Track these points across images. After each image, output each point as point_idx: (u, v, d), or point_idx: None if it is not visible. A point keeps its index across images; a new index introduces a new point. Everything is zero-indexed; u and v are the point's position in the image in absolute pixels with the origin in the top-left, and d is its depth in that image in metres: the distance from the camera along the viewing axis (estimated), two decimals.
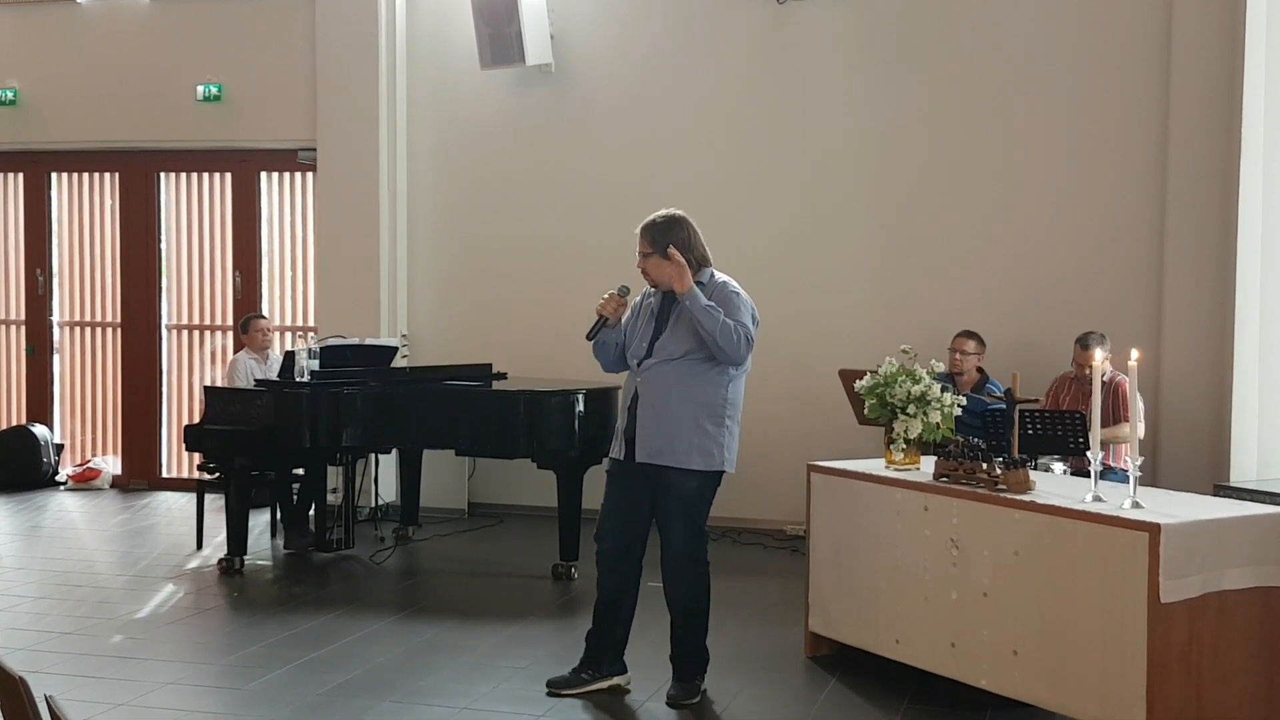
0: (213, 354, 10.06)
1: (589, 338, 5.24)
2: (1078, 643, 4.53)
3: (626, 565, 5.23)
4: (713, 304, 4.98)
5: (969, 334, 7.72)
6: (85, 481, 10.08)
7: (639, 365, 5.13)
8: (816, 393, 8.34)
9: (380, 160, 9.28)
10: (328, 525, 7.87)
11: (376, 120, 9.25)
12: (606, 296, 5.20)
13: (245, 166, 9.98)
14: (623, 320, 5.24)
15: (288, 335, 9.87)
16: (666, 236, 5.07)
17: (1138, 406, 5.17)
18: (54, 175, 10.48)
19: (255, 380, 8.02)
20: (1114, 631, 4.39)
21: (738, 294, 5.10)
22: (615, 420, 7.37)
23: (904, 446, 5.43)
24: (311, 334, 9.23)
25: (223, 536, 7.58)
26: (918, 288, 8.52)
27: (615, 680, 5.29)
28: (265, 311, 9.78)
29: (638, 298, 5.27)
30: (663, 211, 5.17)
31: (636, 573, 5.26)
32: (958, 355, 7.62)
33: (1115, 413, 7.23)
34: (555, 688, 5.27)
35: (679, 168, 8.85)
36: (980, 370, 7.68)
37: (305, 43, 9.50)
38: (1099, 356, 7.03)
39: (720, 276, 5.16)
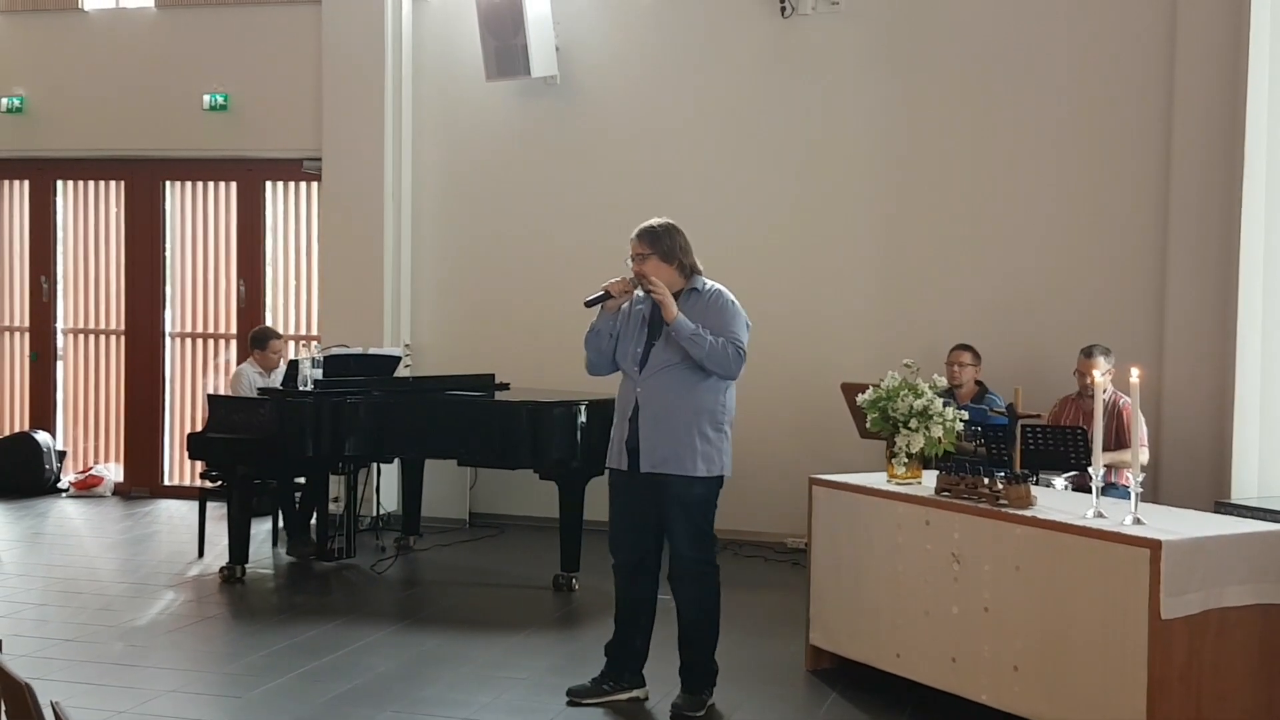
0: (227, 365, 10.02)
1: (587, 304, 5.22)
2: (1078, 658, 4.53)
3: (643, 575, 5.27)
4: (699, 331, 5.01)
5: (964, 346, 7.76)
6: (87, 488, 10.09)
7: (639, 373, 5.15)
8: (818, 406, 8.35)
9: (385, 170, 9.31)
10: (329, 534, 7.88)
11: (382, 131, 9.28)
12: (619, 279, 5.20)
13: (251, 176, 10.01)
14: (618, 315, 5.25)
15: (291, 344, 9.87)
16: (664, 241, 5.14)
17: (1140, 426, 5.16)
18: (59, 183, 10.49)
19: (258, 390, 8.03)
20: (1115, 647, 4.39)
21: (733, 303, 5.16)
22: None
23: (906, 460, 5.45)
24: (315, 343, 9.24)
25: (224, 545, 7.58)
26: (920, 302, 8.53)
27: (634, 693, 5.30)
28: (270, 321, 9.80)
29: (627, 304, 5.27)
30: (657, 219, 5.22)
31: (654, 582, 5.29)
32: (955, 368, 7.64)
33: (1118, 437, 7.15)
34: (576, 696, 5.28)
35: (683, 179, 8.87)
36: (979, 383, 7.70)
37: (312, 53, 9.54)
38: (1102, 367, 6.99)
39: (713, 285, 5.20)
